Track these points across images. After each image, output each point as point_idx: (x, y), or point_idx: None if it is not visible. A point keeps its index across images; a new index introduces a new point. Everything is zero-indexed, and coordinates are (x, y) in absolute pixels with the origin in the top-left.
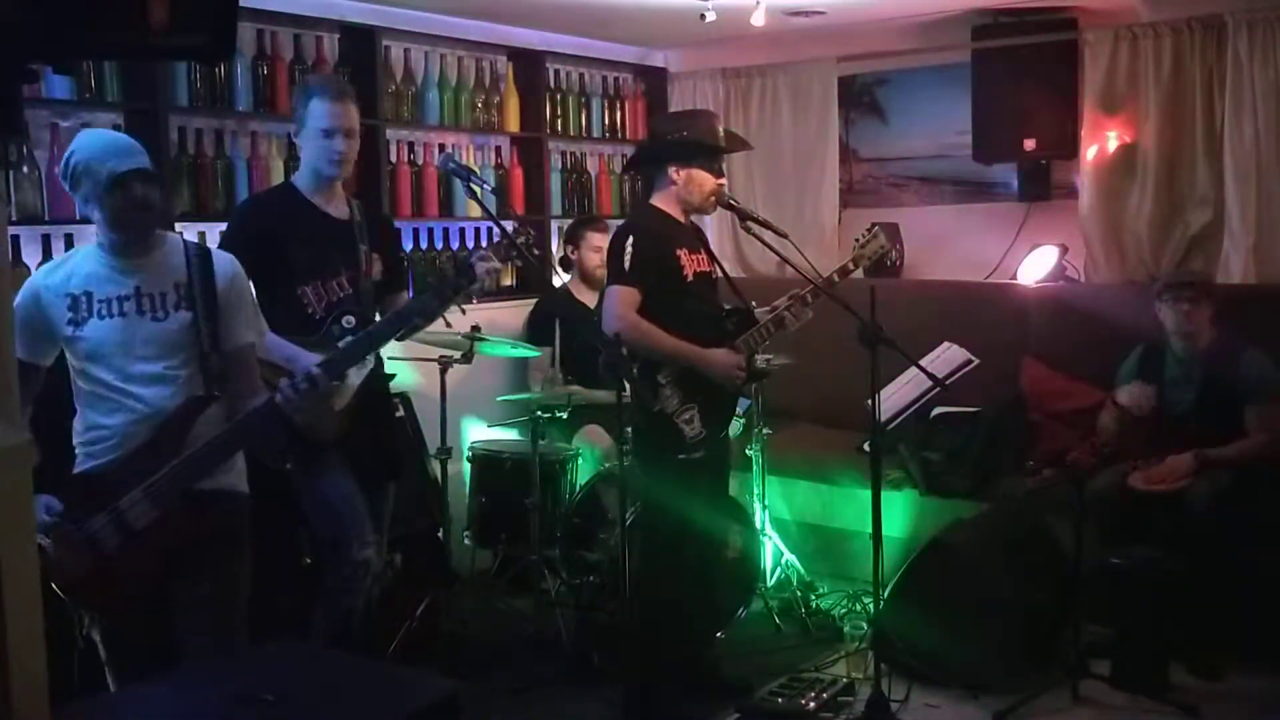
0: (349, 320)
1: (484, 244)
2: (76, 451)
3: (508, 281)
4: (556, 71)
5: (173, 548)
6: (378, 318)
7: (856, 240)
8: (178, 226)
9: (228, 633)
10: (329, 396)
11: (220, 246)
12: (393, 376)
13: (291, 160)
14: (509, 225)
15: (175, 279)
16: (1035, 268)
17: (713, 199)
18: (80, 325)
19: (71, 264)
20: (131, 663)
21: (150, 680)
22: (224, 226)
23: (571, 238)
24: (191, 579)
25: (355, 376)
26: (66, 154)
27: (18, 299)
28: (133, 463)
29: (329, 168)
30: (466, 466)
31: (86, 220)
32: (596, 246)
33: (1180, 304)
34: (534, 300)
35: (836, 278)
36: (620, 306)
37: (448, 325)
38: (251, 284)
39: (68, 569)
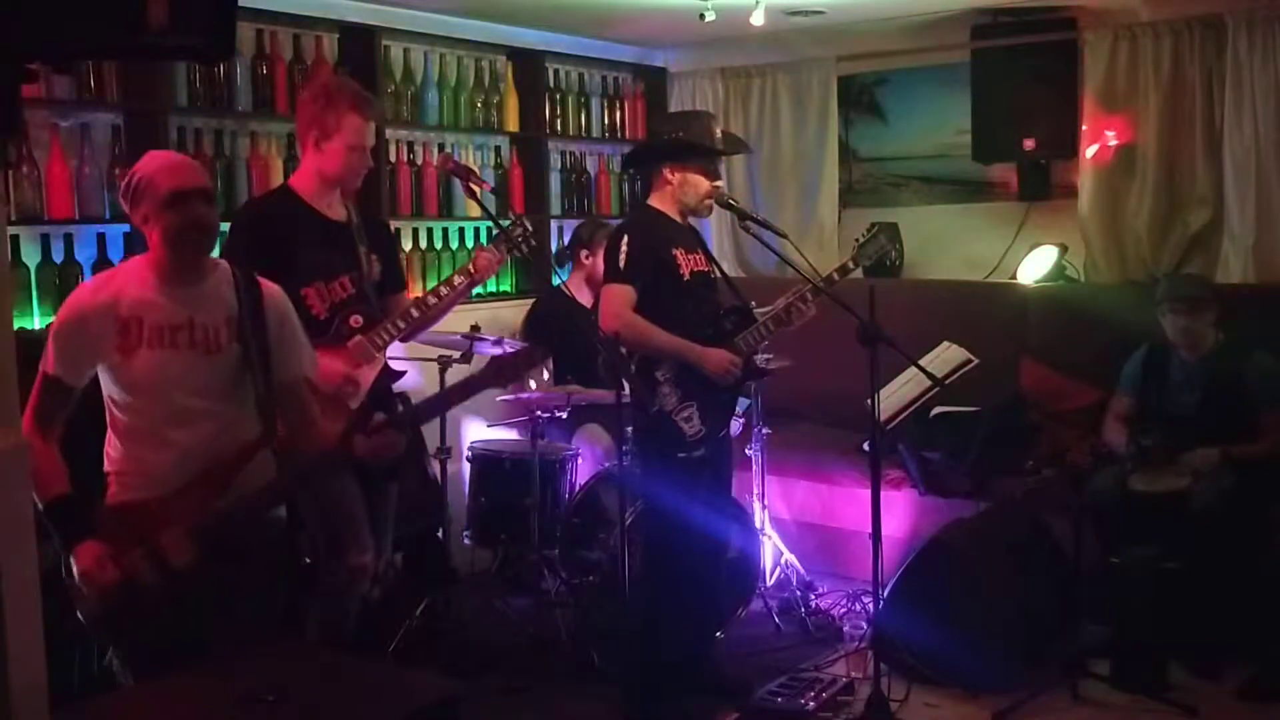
0: (356, 319)
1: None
2: (110, 479)
3: (507, 283)
4: (556, 71)
5: (208, 581)
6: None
7: (856, 239)
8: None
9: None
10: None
11: (222, 252)
12: (403, 374)
13: (291, 160)
14: (506, 223)
15: (227, 311)
16: (1035, 267)
17: (708, 201)
18: (129, 353)
19: (117, 284)
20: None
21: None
22: (224, 227)
23: (587, 240)
24: (225, 607)
25: (369, 375)
26: (131, 172)
27: (61, 317)
28: (176, 500)
29: (353, 181)
30: (466, 466)
31: (86, 220)
32: None
33: (1180, 316)
34: (533, 300)
35: (836, 276)
36: (616, 305)
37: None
38: None
39: (95, 603)
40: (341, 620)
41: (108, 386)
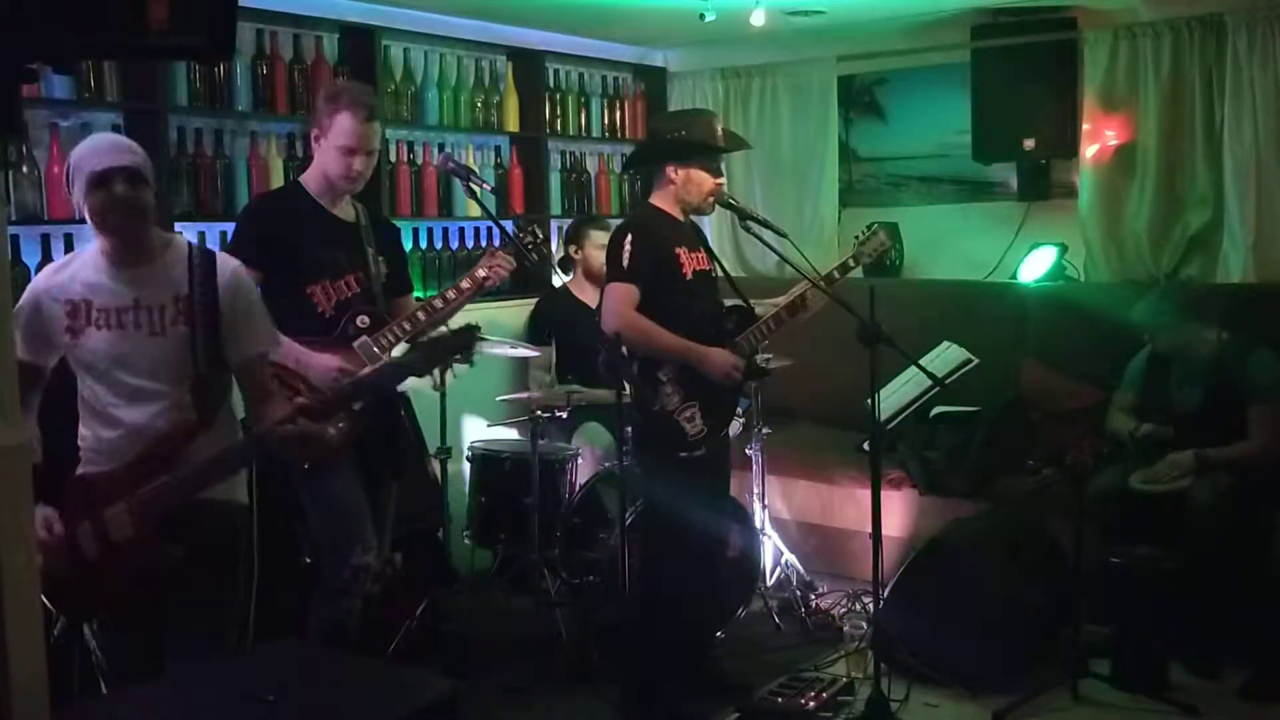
0: (363, 320)
1: (484, 244)
2: (80, 453)
3: (507, 283)
4: (556, 71)
5: (160, 560)
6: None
7: (856, 238)
8: (177, 227)
9: (215, 646)
10: (323, 435)
11: (228, 246)
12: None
13: (291, 160)
14: (509, 225)
15: (175, 291)
16: (1035, 267)
17: (711, 199)
18: (77, 334)
19: (73, 268)
20: (122, 671)
21: (151, 681)
22: (224, 226)
23: (574, 237)
24: (180, 591)
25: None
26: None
27: (21, 301)
28: (122, 476)
29: (342, 183)
30: (466, 466)
31: (85, 220)
32: (600, 245)
33: (1162, 340)
34: (534, 300)
35: (836, 274)
36: (619, 305)
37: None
38: (258, 286)
39: (46, 570)
40: (344, 620)
41: (68, 366)
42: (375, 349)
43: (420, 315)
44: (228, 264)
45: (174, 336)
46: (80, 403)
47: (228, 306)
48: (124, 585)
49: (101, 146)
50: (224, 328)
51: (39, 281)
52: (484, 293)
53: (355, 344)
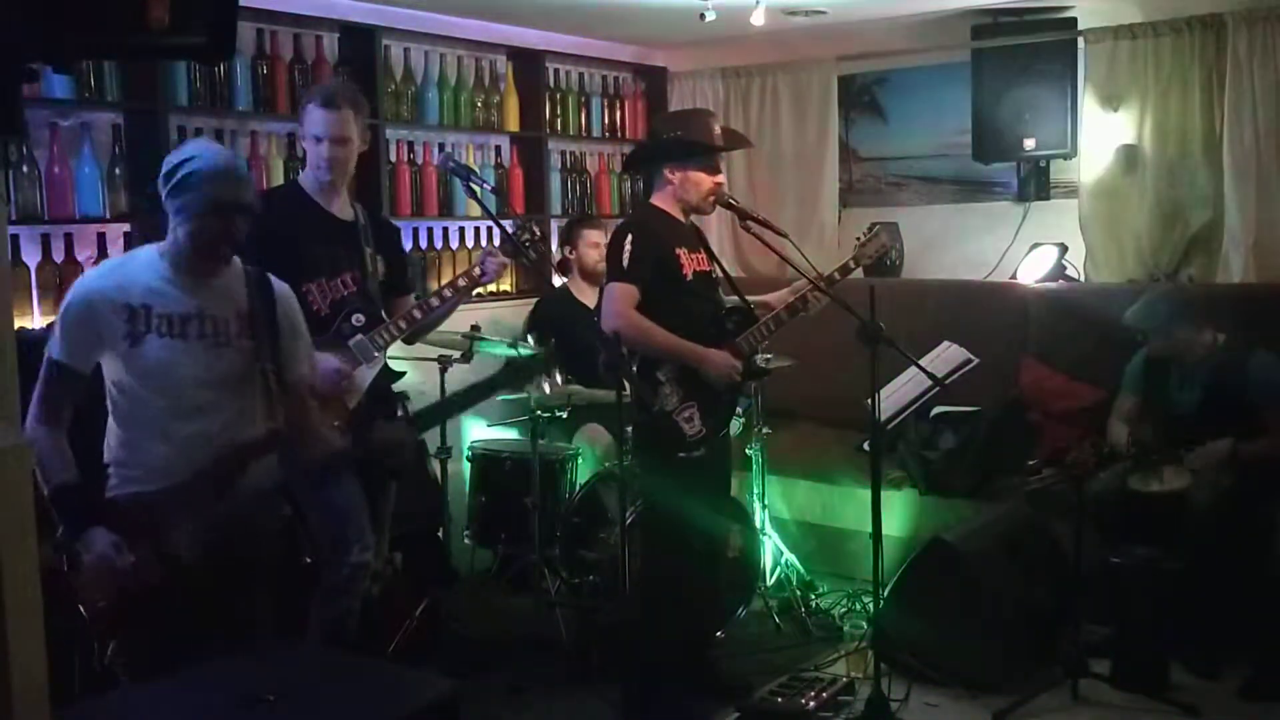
0: (358, 319)
1: (484, 244)
2: (110, 473)
3: (507, 283)
4: (556, 71)
5: (216, 578)
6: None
7: (858, 239)
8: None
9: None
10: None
11: None
12: (403, 374)
13: (291, 160)
14: (509, 224)
15: (237, 306)
16: (1035, 267)
17: (711, 198)
18: (137, 341)
19: (128, 270)
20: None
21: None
22: None
23: (567, 238)
24: (230, 606)
25: (367, 373)
26: (180, 157)
27: (68, 301)
28: (183, 494)
29: (318, 172)
30: (466, 466)
31: (86, 220)
32: (593, 243)
33: (1156, 343)
34: (534, 300)
35: (838, 276)
36: (619, 304)
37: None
38: None
39: (99, 595)
40: (344, 620)
41: (114, 374)
42: (371, 347)
43: (415, 314)
44: (281, 284)
45: (240, 350)
46: (120, 418)
47: (285, 325)
48: (184, 605)
49: (230, 174)
50: (281, 345)
51: (91, 283)
52: (484, 292)
53: (350, 342)
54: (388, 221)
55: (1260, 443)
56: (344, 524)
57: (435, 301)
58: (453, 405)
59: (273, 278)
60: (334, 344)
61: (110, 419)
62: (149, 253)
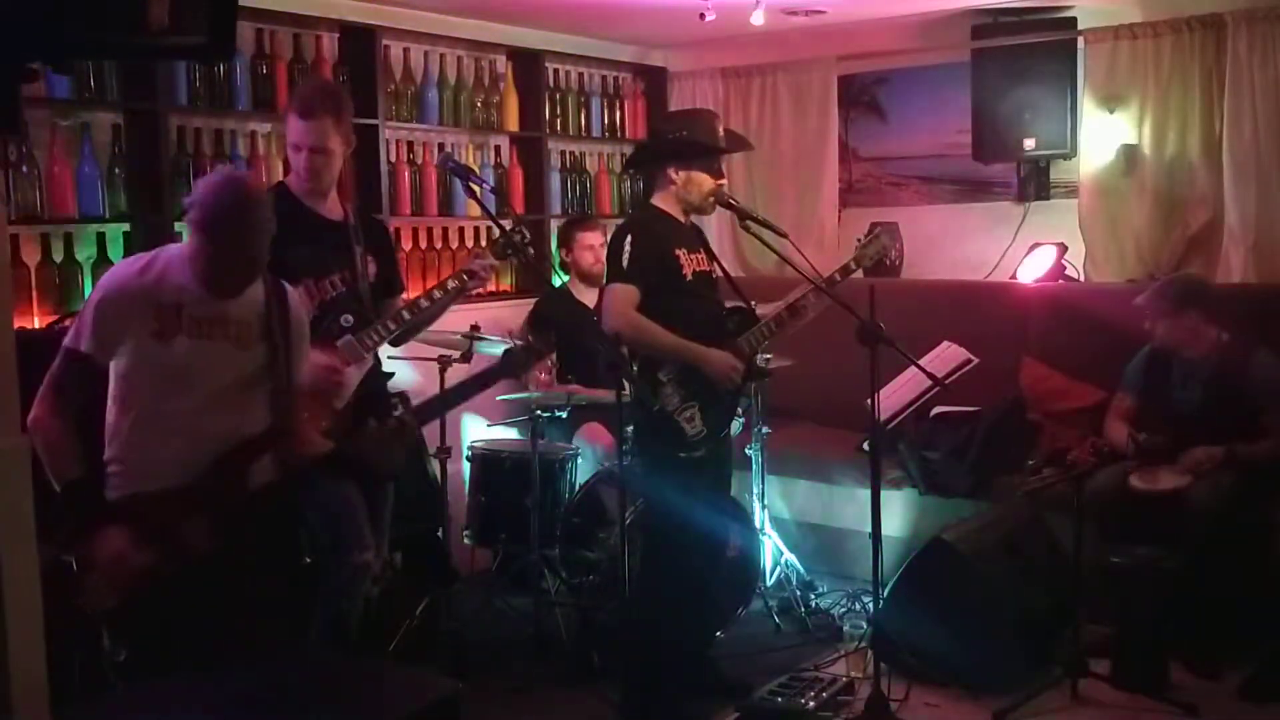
0: (347, 319)
1: (484, 244)
2: (111, 471)
3: (507, 283)
4: (556, 71)
5: (226, 574)
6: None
7: (858, 240)
8: (178, 227)
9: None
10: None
11: None
12: (391, 375)
13: None
14: (505, 224)
15: (257, 309)
16: (1034, 267)
17: (712, 199)
18: (166, 339)
19: (159, 270)
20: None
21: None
22: None
23: (564, 241)
24: (236, 602)
25: (355, 374)
26: (215, 190)
27: (101, 293)
28: (192, 491)
29: (296, 181)
30: (466, 466)
31: (86, 220)
32: (588, 245)
33: (1158, 322)
34: (534, 300)
35: (838, 277)
36: (619, 305)
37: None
38: None
39: (110, 595)
40: (344, 620)
41: (129, 371)
42: (359, 348)
43: (405, 315)
44: (293, 291)
45: (258, 352)
46: (126, 415)
47: (295, 331)
48: (193, 601)
49: (258, 214)
50: (291, 349)
51: (121, 279)
52: (483, 291)
53: (339, 343)
54: (378, 221)
55: (1261, 444)
56: (342, 525)
57: (424, 303)
58: (452, 398)
59: (287, 286)
60: (322, 344)
61: (114, 418)
62: (178, 255)
